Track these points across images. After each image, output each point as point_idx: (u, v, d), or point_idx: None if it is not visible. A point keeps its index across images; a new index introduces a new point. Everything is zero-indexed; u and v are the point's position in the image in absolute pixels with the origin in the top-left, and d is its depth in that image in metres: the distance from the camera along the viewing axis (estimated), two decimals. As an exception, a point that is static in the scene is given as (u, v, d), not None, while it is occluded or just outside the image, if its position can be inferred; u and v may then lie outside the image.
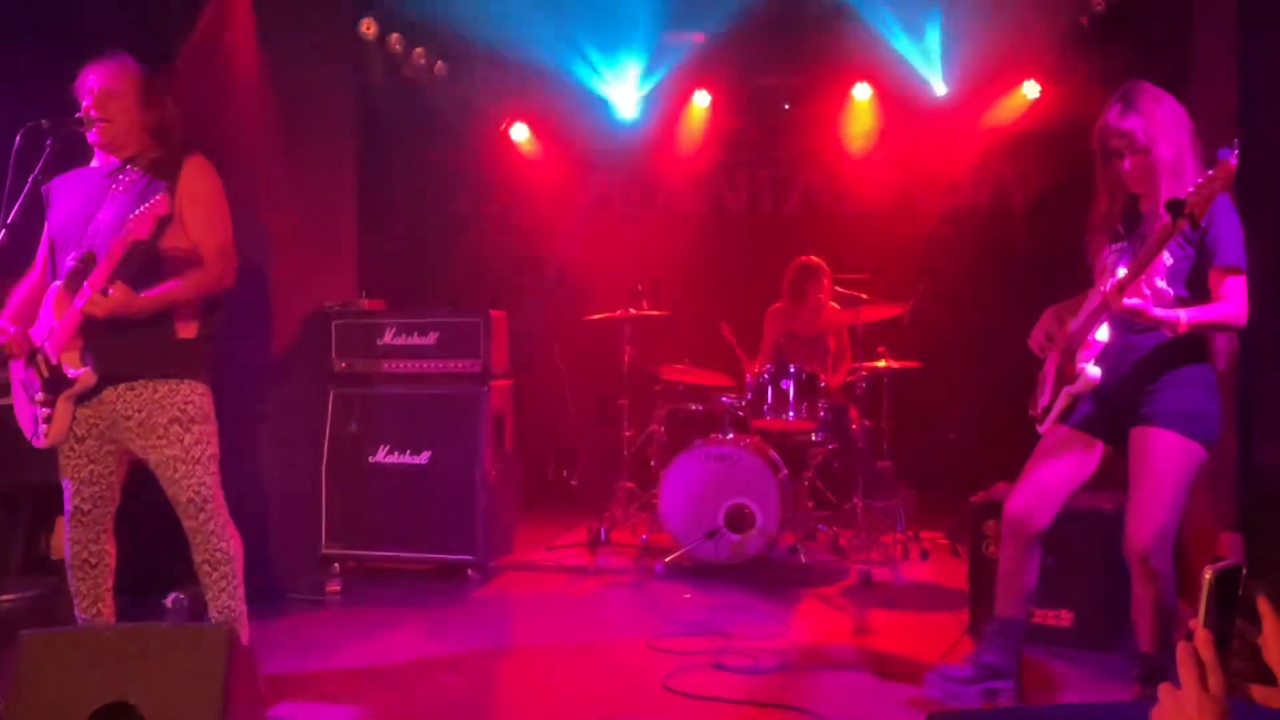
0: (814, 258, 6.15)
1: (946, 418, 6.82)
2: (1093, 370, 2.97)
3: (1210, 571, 1.13)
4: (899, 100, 7.26)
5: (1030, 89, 6.86)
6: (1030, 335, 3.25)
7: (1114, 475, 3.15)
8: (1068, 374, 3.07)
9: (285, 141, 4.77)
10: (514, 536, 5.53)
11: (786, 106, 7.69)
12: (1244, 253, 2.86)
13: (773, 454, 5.44)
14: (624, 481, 6.08)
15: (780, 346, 6.27)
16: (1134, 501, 2.96)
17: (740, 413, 5.60)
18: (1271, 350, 3.84)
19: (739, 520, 5.16)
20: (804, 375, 5.46)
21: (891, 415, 5.86)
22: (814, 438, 5.70)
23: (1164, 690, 1.14)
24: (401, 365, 5.07)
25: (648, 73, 7.33)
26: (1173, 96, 2.95)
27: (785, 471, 5.43)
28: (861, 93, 7.36)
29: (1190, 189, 2.61)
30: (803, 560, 5.25)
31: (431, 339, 5.05)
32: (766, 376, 5.50)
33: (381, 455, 5.02)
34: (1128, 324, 2.93)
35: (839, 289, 5.97)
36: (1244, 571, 1.14)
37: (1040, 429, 3.19)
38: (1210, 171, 2.58)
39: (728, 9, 6.79)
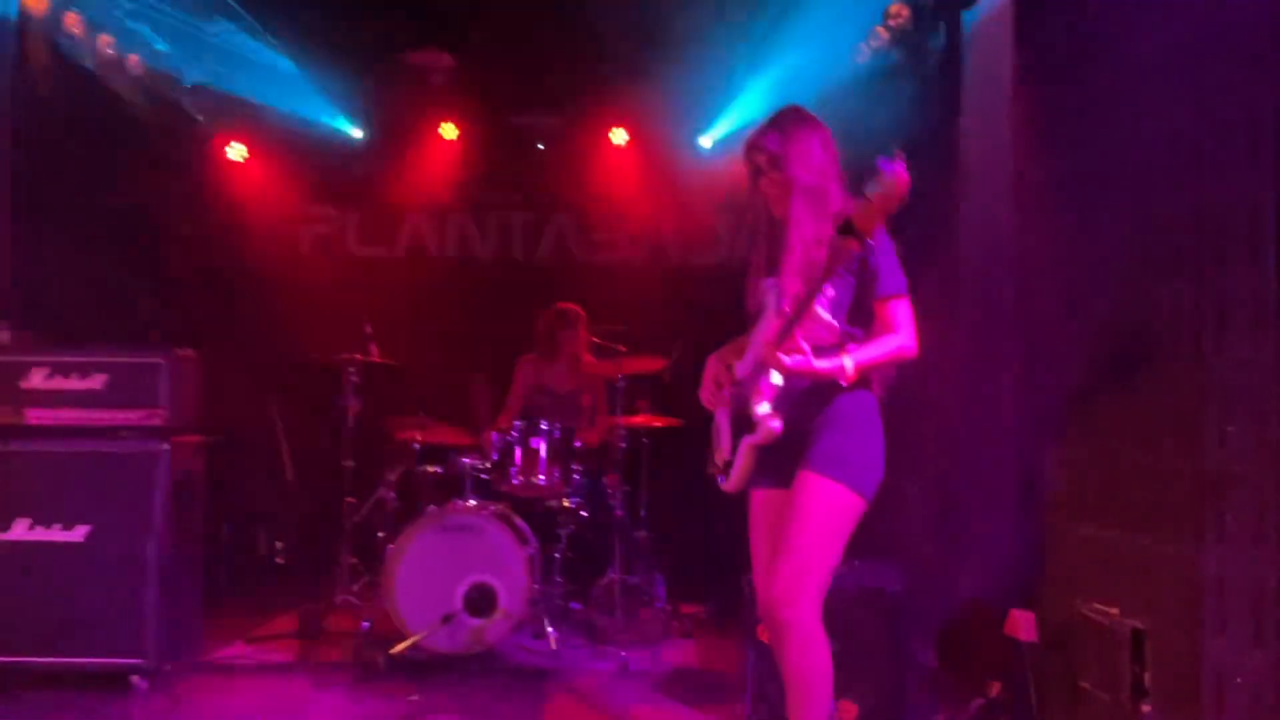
0: (571, 305, 5.59)
1: (707, 481, 6.36)
2: (775, 422, 2.67)
3: None
4: (660, 148, 6.93)
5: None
6: (700, 388, 2.99)
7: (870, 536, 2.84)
8: (746, 425, 2.76)
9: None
10: (202, 630, 4.51)
11: (541, 146, 7.16)
12: (904, 277, 2.71)
13: (520, 524, 4.77)
14: (346, 557, 5.20)
15: (530, 402, 5.63)
16: (774, 549, 2.70)
17: (484, 476, 4.90)
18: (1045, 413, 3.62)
19: (480, 602, 4.43)
20: (557, 434, 4.84)
21: (650, 479, 5.34)
22: (566, 504, 5.08)
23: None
24: (54, 416, 4.01)
25: (386, 96, 6.58)
26: (827, 130, 2.81)
27: (534, 544, 4.77)
28: (619, 137, 6.98)
29: (854, 207, 2.35)
30: (553, 646, 4.58)
31: (97, 383, 4.03)
32: (515, 435, 4.84)
33: (19, 531, 3.92)
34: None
35: (596, 341, 5.43)
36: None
37: (725, 487, 2.91)
38: (877, 187, 2.28)
39: (481, 33, 6.22)
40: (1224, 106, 2.75)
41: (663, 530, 5.41)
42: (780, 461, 2.72)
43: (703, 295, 6.71)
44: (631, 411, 5.18)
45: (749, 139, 2.79)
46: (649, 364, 5.14)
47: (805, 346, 2.56)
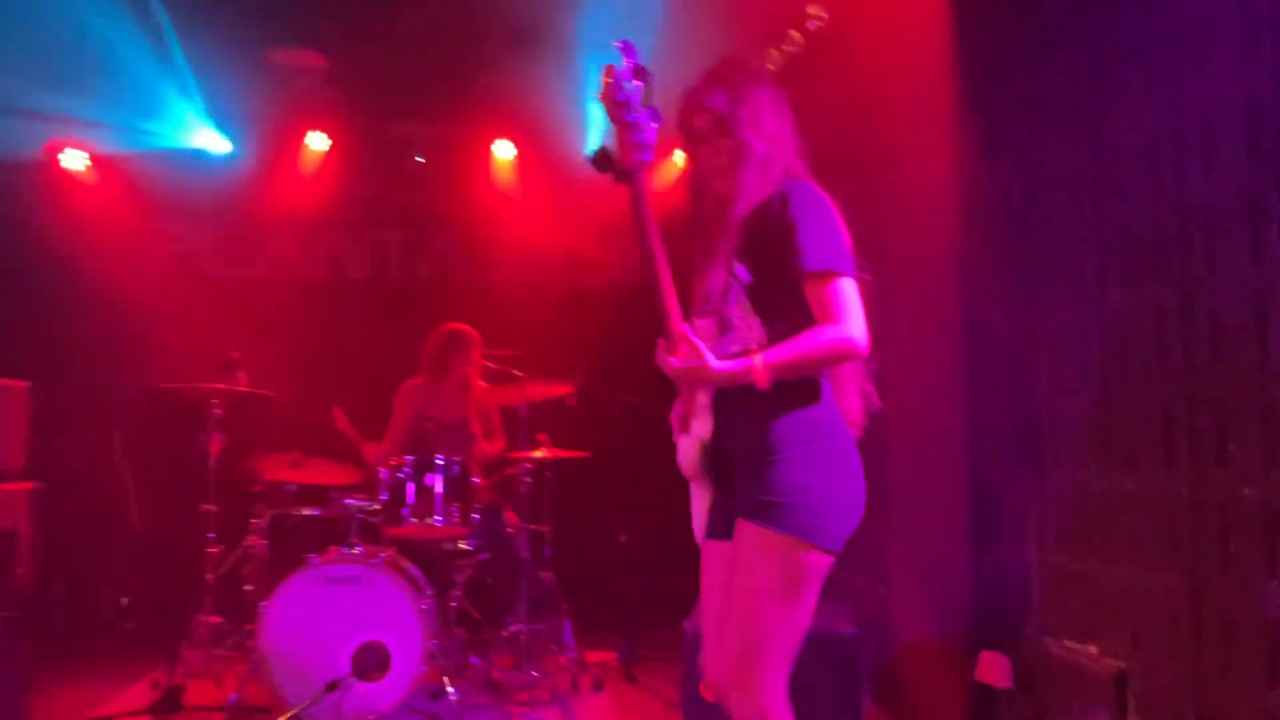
0: (463, 326, 5.10)
1: (615, 516, 5.93)
2: (691, 448, 2.22)
3: None
4: (546, 162, 6.53)
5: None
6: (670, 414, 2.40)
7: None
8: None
9: None
10: (30, 707, 3.80)
11: (420, 159, 6.67)
12: (841, 250, 2.13)
13: (413, 571, 4.25)
14: (207, 615, 4.55)
15: (415, 431, 5.10)
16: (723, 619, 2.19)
17: (370, 518, 4.36)
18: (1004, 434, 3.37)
19: (371, 663, 3.88)
20: (454, 469, 4.35)
21: (553, 516, 4.88)
22: (464, 546, 4.58)
23: None
24: None
25: (249, 99, 5.96)
26: (779, 88, 2.32)
27: (430, 593, 4.26)
28: (504, 151, 6.55)
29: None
30: (452, 701, 4.07)
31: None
32: (407, 471, 4.32)
33: None
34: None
35: (489, 365, 4.97)
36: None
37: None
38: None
39: (353, 32, 5.69)
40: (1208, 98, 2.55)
41: (567, 571, 4.96)
42: (724, 504, 2.23)
43: (598, 317, 6.35)
44: (532, 443, 4.73)
45: (687, 97, 2.26)
46: (550, 390, 4.71)
47: (697, 342, 2.05)
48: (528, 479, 4.73)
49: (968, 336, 3.54)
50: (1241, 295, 2.42)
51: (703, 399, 2.22)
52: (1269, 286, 2.33)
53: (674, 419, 2.37)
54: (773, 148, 2.22)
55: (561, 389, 4.76)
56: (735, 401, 2.14)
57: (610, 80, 2.10)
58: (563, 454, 4.75)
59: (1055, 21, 3.19)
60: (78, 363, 5.61)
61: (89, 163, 6.01)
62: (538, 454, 4.70)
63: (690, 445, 2.24)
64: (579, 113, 6.30)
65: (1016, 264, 3.33)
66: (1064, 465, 3.08)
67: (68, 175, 5.98)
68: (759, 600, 2.07)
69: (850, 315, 2.06)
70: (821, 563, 2.09)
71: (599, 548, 5.71)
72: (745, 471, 2.14)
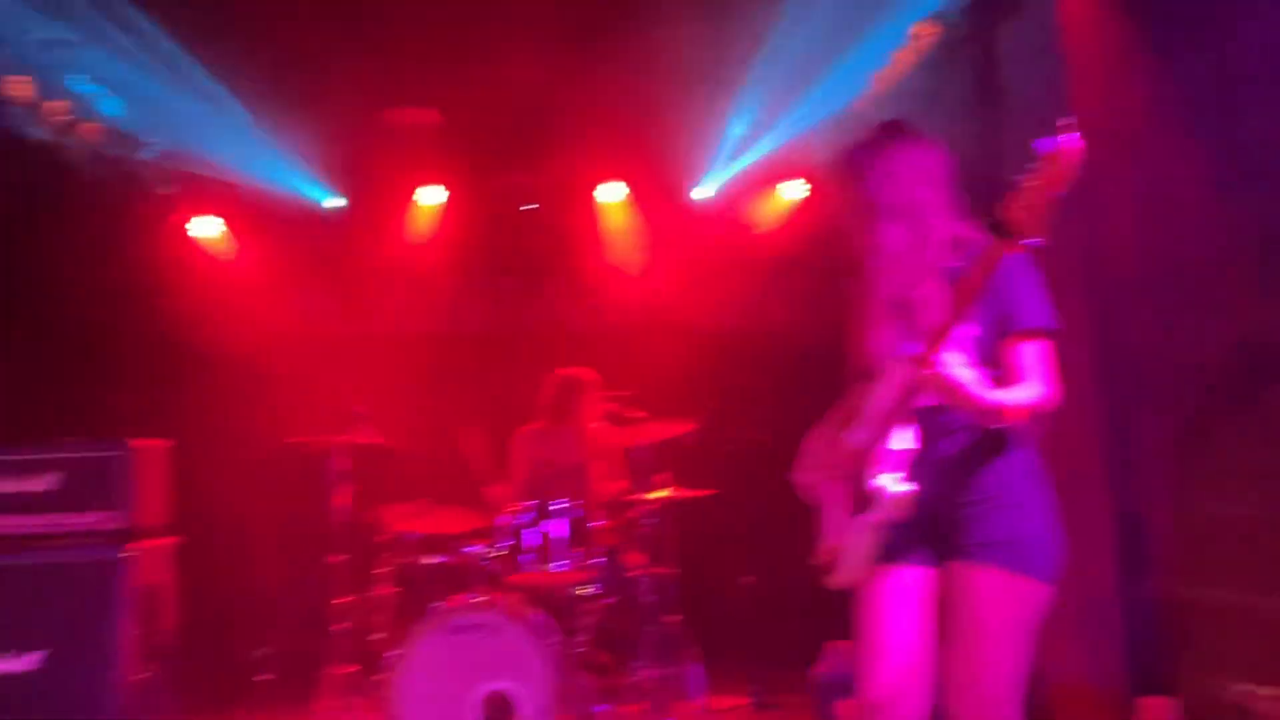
0: (582, 369, 5.09)
1: (741, 556, 5.79)
2: (899, 487, 2.16)
3: None
4: (655, 203, 6.53)
5: (793, 189, 6.31)
6: (796, 473, 2.43)
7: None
8: (863, 503, 2.23)
9: None
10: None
11: (530, 206, 6.74)
12: (1052, 308, 2.17)
13: (538, 617, 4.21)
14: (338, 666, 4.60)
15: (535, 477, 5.09)
16: (951, 662, 2.17)
17: (493, 565, 4.35)
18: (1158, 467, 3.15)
19: (499, 713, 3.85)
20: (575, 513, 4.32)
21: (678, 557, 4.79)
22: (587, 591, 4.52)
23: None
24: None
25: (364, 159, 6.14)
26: (942, 146, 2.32)
27: (555, 639, 4.21)
28: (614, 193, 6.58)
29: (1009, 203, 1.88)
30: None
31: (43, 484, 3.48)
32: (528, 517, 4.31)
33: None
34: (933, 422, 2.19)
35: (609, 408, 4.95)
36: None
37: (832, 581, 2.34)
38: (1035, 175, 1.84)
39: (461, 88, 5.82)
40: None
41: (693, 614, 4.85)
42: (917, 538, 2.23)
43: (715, 355, 6.27)
44: (654, 484, 4.67)
45: (848, 154, 2.33)
46: (672, 429, 4.64)
47: (962, 360, 2.05)
48: (651, 520, 4.66)
49: (1111, 348, 3.33)
50: None
51: (892, 456, 2.17)
52: None
53: (804, 480, 2.37)
54: (935, 201, 2.25)
55: (683, 427, 4.69)
56: (954, 442, 2.20)
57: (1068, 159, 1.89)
58: (687, 494, 4.68)
59: None
60: (209, 422, 5.80)
61: (217, 228, 6.27)
62: (661, 494, 4.63)
63: (887, 489, 2.18)
64: (680, 152, 6.32)
65: (1157, 280, 3.13)
66: (1223, 493, 2.85)
67: (193, 240, 6.24)
68: (1008, 645, 2.13)
69: (1054, 379, 2.16)
70: (1050, 598, 2.16)
71: (725, 589, 5.58)
72: (975, 517, 2.16)
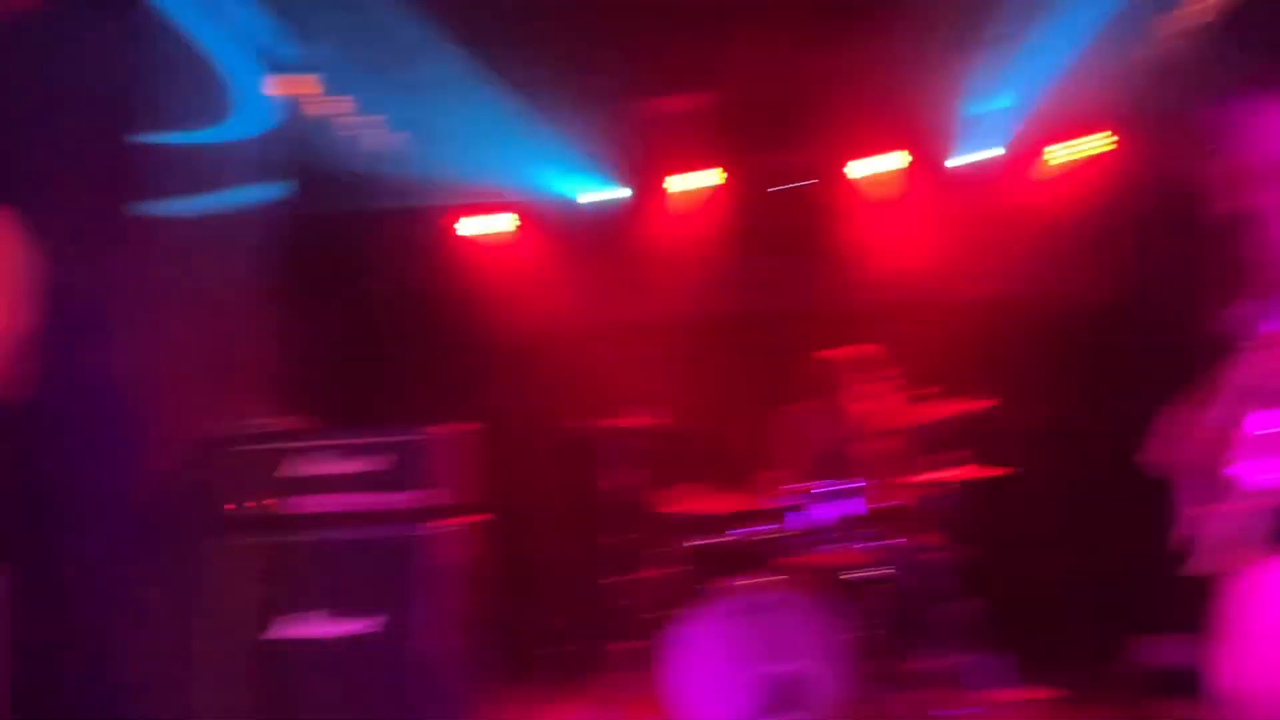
0: (862, 346, 4.94)
1: (1048, 537, 5.41)
2: (1262, 473, 1.96)
3: None
4: (926, 175, 6.26)
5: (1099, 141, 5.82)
6: (1147, 450, 2.24)
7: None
8: (1223, 485, 2.06)
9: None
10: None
11: (807, 182, 6.64)
12: None
13: (828, 599, 4.12)
14: (620, 643, 4.70)
15: (819, 456, 4.98)
16: None
17: (778, 546, 4.30)
18: None
19: (784, 697, 3.80)
20: (862, 494, 4.18)
21: (977, 538, 4.54)
22: (877, 573, 4.38)
23: None
24: (340, 502, 3.79)
25: (637, 146, 6.28)
26: None
27: (843, 623, 4.11)
28: (885, 164, 6.34)
29: None
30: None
31: (380, 465, 3.79)
32: (812, 496, 4.23)
33: (308, 627, 3.70)
34: None
35: (898, 386, 4.77)
36: None
37: (1191, 567, 2.15)
38: None
39: (733, 70, 5.82)
40: None
41: (994, 598, 4.58)
42: None
43: (1004, 330, 5.90)
44: (952, 461, 4.44)
45: (1206, 113, 2.16)
46: (965, 406, 4.40)
47: None
48: (946, 500, 4.44)
49: None
50: None
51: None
52: None
53: (1157, 457, 2.20)
54: None
55: (981, 404, 4.44)
56: None
57: None
58: (983, 472, 4.42)
59: None
60: (515, 408, 6.17)
61: (507, 224, 6.63)
62: (955, 473, 4.40)
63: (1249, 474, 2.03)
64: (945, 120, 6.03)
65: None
66: None
67: (485, 236, 6.63)
68: None
69: None
70: None
71: (1030, 572, 5.24)
72: None
